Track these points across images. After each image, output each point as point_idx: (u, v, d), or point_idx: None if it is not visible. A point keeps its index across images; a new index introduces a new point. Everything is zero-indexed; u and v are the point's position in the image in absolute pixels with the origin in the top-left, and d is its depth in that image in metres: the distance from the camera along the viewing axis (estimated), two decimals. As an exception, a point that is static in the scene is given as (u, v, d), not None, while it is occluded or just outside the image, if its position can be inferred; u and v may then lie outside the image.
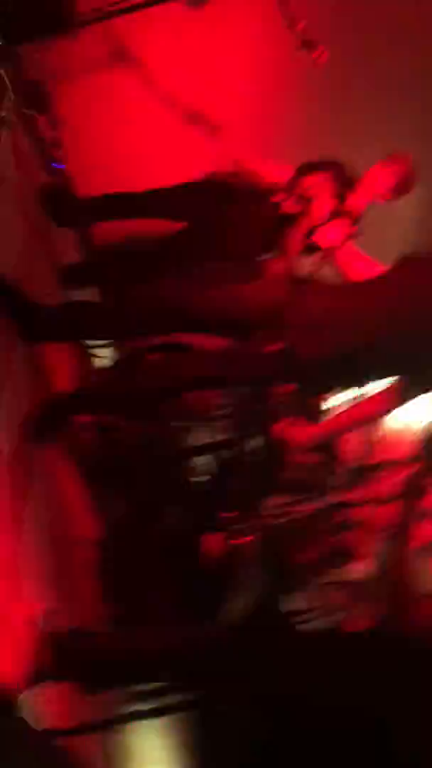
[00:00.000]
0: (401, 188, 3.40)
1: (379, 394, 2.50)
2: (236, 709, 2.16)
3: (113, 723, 2.57)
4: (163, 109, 4.16)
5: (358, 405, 2.65)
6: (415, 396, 2.44)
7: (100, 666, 2.23)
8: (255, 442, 3.46)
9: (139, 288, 3.12)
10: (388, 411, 2.56)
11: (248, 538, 3.18)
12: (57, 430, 2.90)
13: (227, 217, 3.58)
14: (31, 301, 2.67)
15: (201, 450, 3.55)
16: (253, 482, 3.19)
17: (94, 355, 4.19)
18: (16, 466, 2.42)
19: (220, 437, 3.52)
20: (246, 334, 2.54)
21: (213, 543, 3.02)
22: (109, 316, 2.99)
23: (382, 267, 2.78)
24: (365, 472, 3.51)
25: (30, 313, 2.61)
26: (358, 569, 3.10)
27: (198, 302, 2.72)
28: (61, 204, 3.89)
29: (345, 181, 3.43)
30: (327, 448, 3.47)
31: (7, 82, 3.10)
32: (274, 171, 3.65)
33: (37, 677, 2.03)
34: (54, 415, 2.82)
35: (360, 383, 2.57)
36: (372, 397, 2.54)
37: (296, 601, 3.15)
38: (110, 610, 3.00)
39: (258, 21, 3.74)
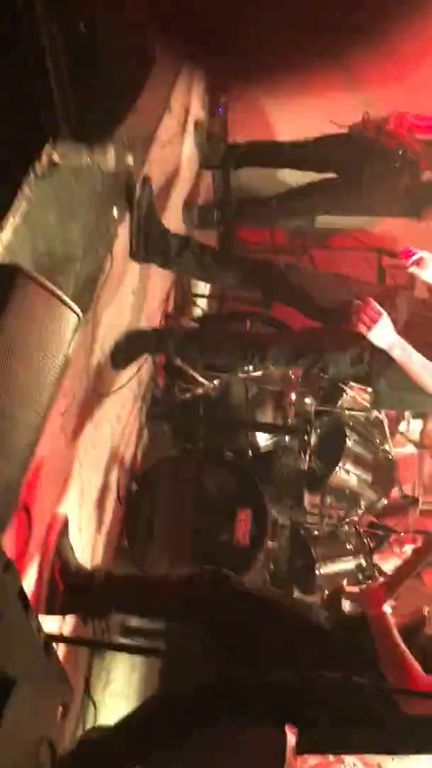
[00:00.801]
0: None
1: None
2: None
3: (102, 647, 2.69)
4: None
5: None
6: None
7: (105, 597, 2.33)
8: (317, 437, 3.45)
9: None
10: None
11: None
12: (134, 361, 2.98)
13: (373, 173, 3.51)
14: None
15: (265, 427, 3.56)
16: (298, 475, 3.20)
17: (194, 303, 4.24)
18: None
19: (288, 422, 3.53)
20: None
21: (243, 520, 3.05)
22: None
23: None
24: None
25: None
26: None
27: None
28: (212, 148, 3.92)
29: None
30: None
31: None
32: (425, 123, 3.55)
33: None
34: (134, 348, 2.93)
35: None
36: None
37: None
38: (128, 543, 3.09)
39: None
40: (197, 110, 3.99)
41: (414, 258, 2.76)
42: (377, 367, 2.70)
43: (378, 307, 2.48)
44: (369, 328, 2.47)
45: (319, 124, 3.83)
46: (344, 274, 3.29)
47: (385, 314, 2.48)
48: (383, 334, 2.48)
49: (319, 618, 2.23)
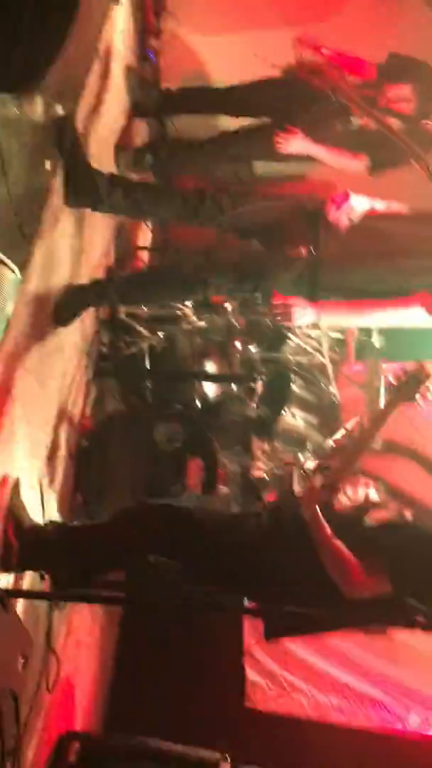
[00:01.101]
0: None
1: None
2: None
3: (60, 599, 2.74)
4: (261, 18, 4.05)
5: None
6: None
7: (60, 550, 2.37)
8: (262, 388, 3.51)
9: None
10: None
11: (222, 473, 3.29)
12: (77, 316, 2.96)
13: (307, 118, 3.49)
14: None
15: (212, 377, 3.59)
16: (246, 422, 3.25)
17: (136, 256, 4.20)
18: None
19: (235, 371, 3.57)
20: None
21: (194, 469, 3.11)
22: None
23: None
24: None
25: None
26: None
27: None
28: (145, 94, 3.85)
29: (428, 94, 3.33)
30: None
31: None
32: (359, 67, 3.54)
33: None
34: (76, 303, 2.92)
35: None
36: None
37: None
38: (82, 499, 3.11)
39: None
40: (128, 55, 3.89)
41: (342, 209, 2.76)
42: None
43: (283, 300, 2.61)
44: (288, 320, 2.60)
45: (253, 67, 3.79)
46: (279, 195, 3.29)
47: (293, 301, 2.60)
48: (302, 317, 2.61)
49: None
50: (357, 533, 2.28)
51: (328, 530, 2.24)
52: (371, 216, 2.75)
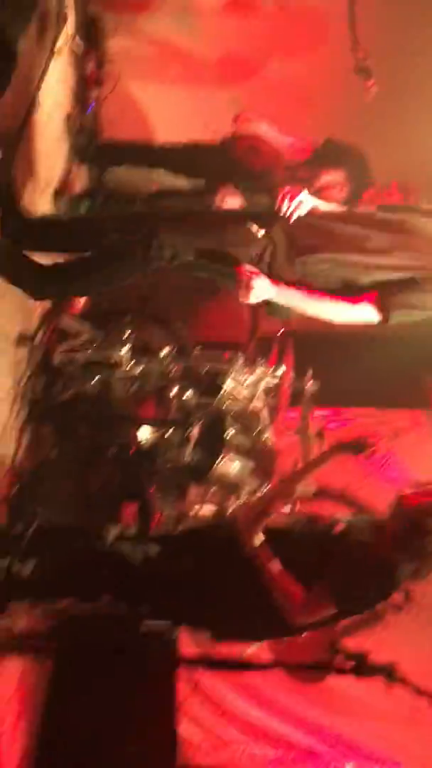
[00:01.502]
0: None
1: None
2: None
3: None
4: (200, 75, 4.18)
5: None
6: None
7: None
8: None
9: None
10: None
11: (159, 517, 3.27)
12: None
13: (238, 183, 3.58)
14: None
15: (148, 421, 3.58)
16: (182, 467, 3.25)
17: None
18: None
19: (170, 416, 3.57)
20: None
21: (129, 514, 3.08)
22: None
23: None
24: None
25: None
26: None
27: None
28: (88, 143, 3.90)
29: (361, 183, 3.46)
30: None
31: (69, 11, 3.10)
32: (295, 148, 3.65)
33: None
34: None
35: None
36: None
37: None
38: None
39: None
40: (68, 104, 3.95)
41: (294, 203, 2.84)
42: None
43: (250, 268, 2.67)
44: (248, 290, 2.67)
45: (192, 121, 3.90)
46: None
47: (257, 272, 2.68)
48: (261, 291, 2.67)
49: None
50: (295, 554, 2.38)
51: (270, 556, 2.32)
52: (318, 214, 2.84)
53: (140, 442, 3.52)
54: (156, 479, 3.49)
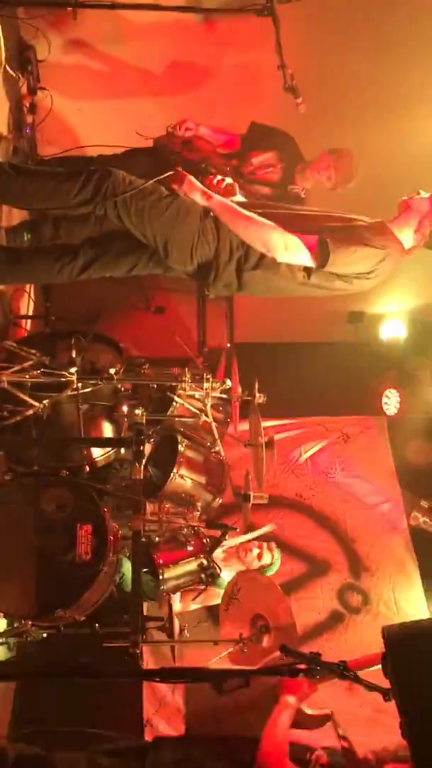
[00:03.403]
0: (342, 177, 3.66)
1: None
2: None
3: None
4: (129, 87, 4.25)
5: None
6: None
7: None
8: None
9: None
10: None
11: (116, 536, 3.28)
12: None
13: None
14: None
15: (99, 442, 3.59)
16: (135, 484, 3.26)
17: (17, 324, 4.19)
18: None
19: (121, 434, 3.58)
20: None
21: (84, 536, 3.08)
22: None
23: None
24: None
25: None
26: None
27: None
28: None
29: (292, 161, 3.58)
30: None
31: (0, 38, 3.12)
32: (227, 141, 3.76)
33: None
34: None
35: None
36: None
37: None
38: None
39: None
40: (3, 130, 3.96)
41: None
42: None
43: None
44: (183, 180, 2.87)
45: (125, 134, 3.96)
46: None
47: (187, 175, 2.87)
48: (194, 185, 2.86)
49: None
50: None
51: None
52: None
53: (93, 462, 3.53)
54: (110, 498, 3.51)
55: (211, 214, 2.91)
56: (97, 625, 3.17)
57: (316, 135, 4.04)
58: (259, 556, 3.93)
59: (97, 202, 2.88)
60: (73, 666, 2.10)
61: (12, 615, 3.05)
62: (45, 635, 3.10)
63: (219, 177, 3.02)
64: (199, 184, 2.89)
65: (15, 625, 3.05)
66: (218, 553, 3.64)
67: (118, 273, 3.14)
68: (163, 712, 4.11)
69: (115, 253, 3.10)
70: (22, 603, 3.02)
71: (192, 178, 2.90)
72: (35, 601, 3.02)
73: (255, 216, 2.86)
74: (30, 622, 3.00)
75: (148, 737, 3.98)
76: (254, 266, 2.97)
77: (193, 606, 3.92)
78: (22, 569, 3.09)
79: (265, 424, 3.68)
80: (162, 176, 2.94)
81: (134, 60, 4.42)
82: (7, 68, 3.60)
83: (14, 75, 3.83)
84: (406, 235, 3.05)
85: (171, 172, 2.90)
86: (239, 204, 2.98)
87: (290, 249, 2.86)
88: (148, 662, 3.75)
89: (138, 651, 2.58)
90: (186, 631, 3.33)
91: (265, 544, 4.02)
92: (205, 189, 2.88)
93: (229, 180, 3.01)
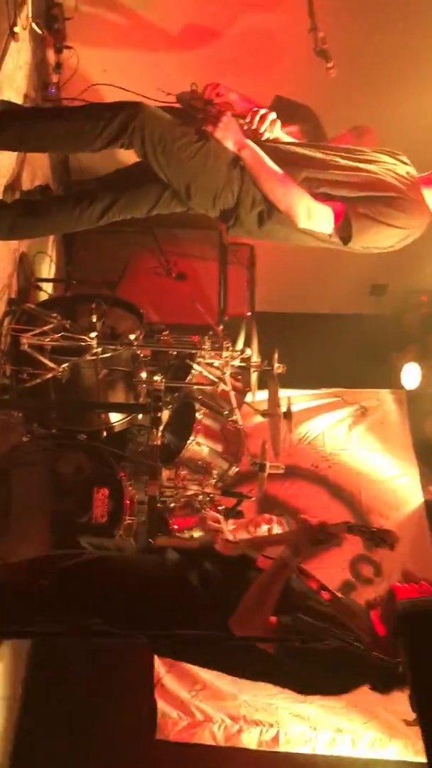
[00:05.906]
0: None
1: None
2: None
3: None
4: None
5: None
6: None
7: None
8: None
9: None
10: None
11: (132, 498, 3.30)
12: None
13: None
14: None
15: (117, 407, 3.60)
16: (152, 450, 3.28)
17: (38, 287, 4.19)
18: None
19: (139, 400, 3.59)
20: None
21: (100, 499, 3.11)
22: None
23: None
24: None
25: None
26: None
27: None
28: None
29: (314, 137, 3.50)
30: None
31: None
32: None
33: None
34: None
35: None
36: None
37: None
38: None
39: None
40: (28, 90, 3.91)
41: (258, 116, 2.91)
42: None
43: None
44: (215, 126, 2.73)
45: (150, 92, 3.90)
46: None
47: (228, 113, 2.75)
48: (229, 132, 2.75)
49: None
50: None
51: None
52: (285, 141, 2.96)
53: (111, 427, 3.55)
54: (127, 463, 3.53)
55: (241, 163, 2.83)
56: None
57: (339, 110, 3.95)
58: (269, 531, 3.94)
59: (123, 140, 2.80)
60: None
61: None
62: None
63: (263, 111, 2.92)
64: (236, 129, 2.78)
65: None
66: (228, 526, 3.66)
67: (139, 213, 3.06)
68: (175, 672, 4.18)
69: (132, 193, 3.03)
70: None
71: (230, 119, 2.78)
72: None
73: (286, 176, 2.77)
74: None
75: (158, 697, 4.07)
76: (276, 222, 2.92)
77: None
78: (38, 530, 3.13)
79: (283, 393, 3.68)
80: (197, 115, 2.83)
81: (158, 20, 4.34)
82: (34, 25, 3.53)
83: (41, 33, 3.76)
84: None
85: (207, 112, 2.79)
86: (280, 144, 2.89)
87: (313, 217, 2.80)
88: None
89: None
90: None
91: (275, 518, 4.04)
92: (240, 137, 2.77)
93: (273, 115, 2.90)
